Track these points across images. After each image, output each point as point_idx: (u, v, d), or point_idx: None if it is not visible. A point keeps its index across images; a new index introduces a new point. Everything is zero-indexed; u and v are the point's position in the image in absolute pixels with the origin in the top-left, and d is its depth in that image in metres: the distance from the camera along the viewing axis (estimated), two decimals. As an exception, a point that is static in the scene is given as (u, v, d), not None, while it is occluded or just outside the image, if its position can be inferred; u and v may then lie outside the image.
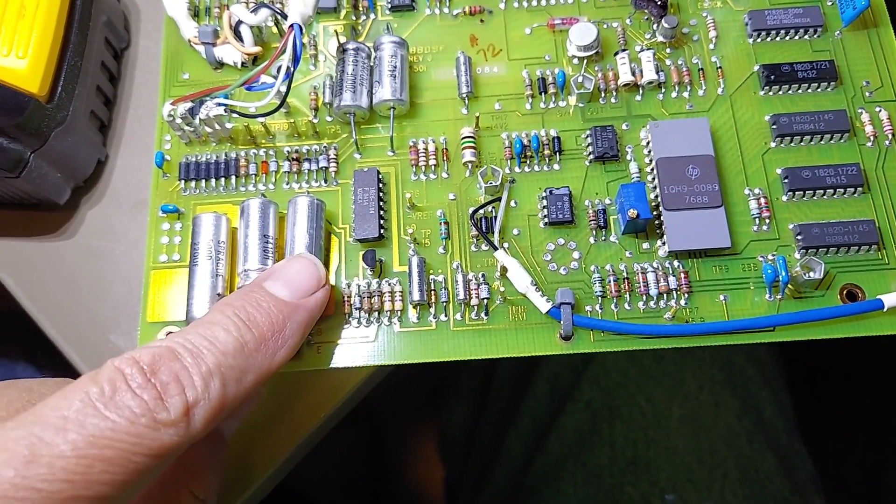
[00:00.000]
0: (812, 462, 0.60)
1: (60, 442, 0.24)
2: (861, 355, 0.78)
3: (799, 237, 0.37)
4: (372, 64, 0.40)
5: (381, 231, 0.37)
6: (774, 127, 0.39)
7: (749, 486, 0.55)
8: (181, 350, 0.28)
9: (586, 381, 0.62)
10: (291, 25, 0.35)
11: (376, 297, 0.36)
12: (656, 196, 0.37)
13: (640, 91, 0.40)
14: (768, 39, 0.41)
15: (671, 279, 0.36)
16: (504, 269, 0.36)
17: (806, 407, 0.67)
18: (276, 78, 0.36)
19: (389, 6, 0.43)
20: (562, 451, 0.60)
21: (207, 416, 0.27)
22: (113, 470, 0.24)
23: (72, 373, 0.43)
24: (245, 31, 0.40)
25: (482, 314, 0.36)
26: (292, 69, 0.35)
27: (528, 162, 0.39)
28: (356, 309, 0.36)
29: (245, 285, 0.34)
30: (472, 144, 0.39)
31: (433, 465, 0.82)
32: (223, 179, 0.39)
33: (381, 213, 0.38)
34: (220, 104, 0.37)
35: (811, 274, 0.35)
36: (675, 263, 0.37)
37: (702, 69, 0.41)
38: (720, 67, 0.41)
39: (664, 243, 0.37)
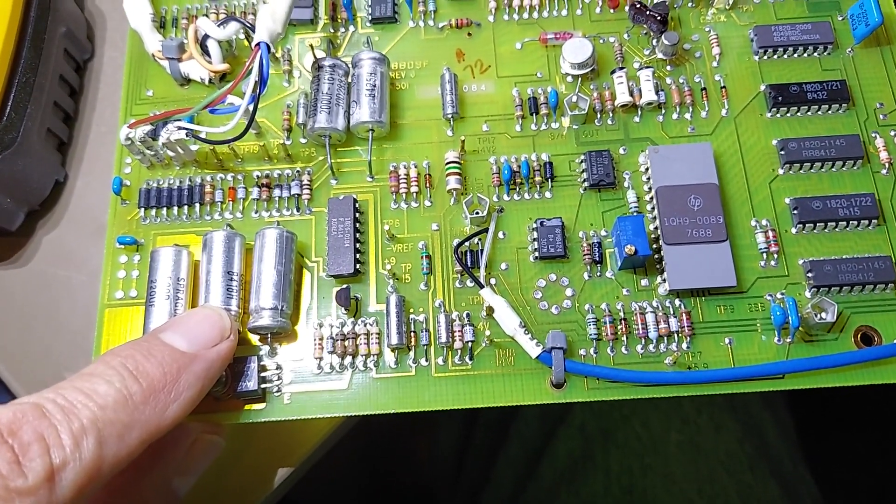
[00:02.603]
0: (818, 488, 0.58)
1: None
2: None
3: (810, 275, 0.34)
4: (350, 81, 0.37)
5: (357, 266, 0.34)
6: (783, 153, 0.36)
7: (751, 518, 0.53)
8: (50, 406, 0.25)
9: (578, 405, 0.60)
10: (258, 44, 0.32)
11: (350, 340, 0.33)
12: (656, 228, 0.34)
13: (639, 112, 0.37)
14: (775, 57, 0.38)
15: (672, 320, 0.33)
16: (490, 310, 0.33)
17: (807, 428, 0.65)
18: (243, 98, 0.33)
19: (370, 18, 0.40)
20: (554, 478, 0.58)
21: (78, 481, 0.24)
22: None
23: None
24: (213, 46, 0.37)
25: (466, 358, 0.34)
26: (258, 92, 0.32)
27: (517, 189, 0.36)
28: (328, 353, 0.33)
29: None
30: (457, 170, 0.36)
31: (423, 488, 0.80)
32: (186, 207, 0.36)
33: (358, 245, 0.35)
34: (181, 128, 0.34)
35: (823, 315, 0.32)
36: (677, 303, 0.34)
37: (704, 88, 0.38)
38: (724, 87, 0.38)
39: (664, 280, 0.34)
